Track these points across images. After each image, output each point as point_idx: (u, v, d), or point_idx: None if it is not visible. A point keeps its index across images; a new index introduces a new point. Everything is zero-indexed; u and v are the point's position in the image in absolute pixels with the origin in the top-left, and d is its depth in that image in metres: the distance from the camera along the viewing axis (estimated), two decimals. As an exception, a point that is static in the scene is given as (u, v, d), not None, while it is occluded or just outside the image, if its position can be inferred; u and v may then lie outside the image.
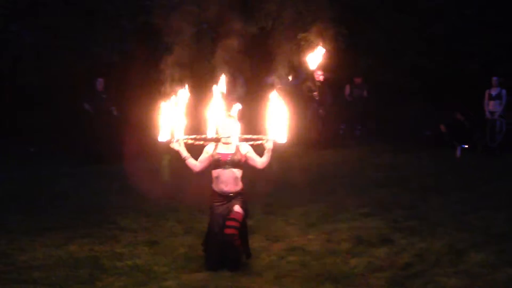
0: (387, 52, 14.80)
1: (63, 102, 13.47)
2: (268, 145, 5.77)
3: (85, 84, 12.75)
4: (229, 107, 6.01)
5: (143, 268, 5.90)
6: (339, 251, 6.36)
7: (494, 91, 12.97)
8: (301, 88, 13.26)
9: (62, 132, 13.43)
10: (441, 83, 14.85)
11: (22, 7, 12.92)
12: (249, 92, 12.88)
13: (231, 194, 5.81)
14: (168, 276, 5.69)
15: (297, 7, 12.40)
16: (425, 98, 14.77)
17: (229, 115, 5.88)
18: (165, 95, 5.90)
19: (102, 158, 11.80)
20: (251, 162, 5.89)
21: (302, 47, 12.13)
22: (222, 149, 5.84)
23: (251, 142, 5.91)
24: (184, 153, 5.86)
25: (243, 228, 5.92)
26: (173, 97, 5.83)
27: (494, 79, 12.98)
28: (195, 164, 5.90)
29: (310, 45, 11.38)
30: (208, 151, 5.89)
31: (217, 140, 5.91)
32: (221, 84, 6.05)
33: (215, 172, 5.84)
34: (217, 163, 5.80)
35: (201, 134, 6.04)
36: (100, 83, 12.55)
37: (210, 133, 6.01)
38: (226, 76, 6.28)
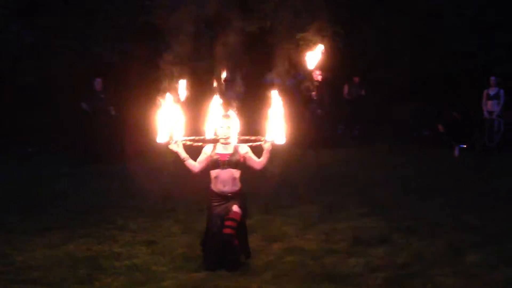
0: (384, 51, 14.81)
1: (63, 102, 13.46)
2: (267, 146, 5.78)
3: (84, 84, 12.74)
4: (228, 107, 6.02)
5: (141, 268, 5.90)
6: (337, 251, 6.36)
7: (492, 91, 12.99)
8: (299, 88, 13.28)
9: (61, 132, 13.42)
10: (439, 82, 14.86)
11: (22, 7, 12.93)
12: (248, 91, 12.87)
13: (230, 194, 5.81)
14: (166, 276, 5.69)
15: (295, 7, 12.41)
16: (424, 98, 14.79)
17: (228, 115, 5.88)
18: (163, 93, 5.89)
19: (101, 158, 11.81)
20: (249, 163, 5.90)
21: (300, 47, 12.14)
22: (221, 150, 5.85)
23: (250, 144, 5.92)
24: (183, 154, 5.86)
25: (242, 228, 5.93)
26: (170, 96, 5.83)
27: (492, 79, 13.00)
28: (194, 165, 5.91)
29: (308, 45, 11.39)
30: (207, 151, 5.90)
31: (215, 141, 5.91)
32: (220, 84, 6.06)
33: (213, 173, 5.85)
34: (215, 163, 5.81)
35: (200, 135, 6.05)
36: (98, 83, 12.54)
37: (208, 134, 6.02)
38: (224, 75, 6.29)
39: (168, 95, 5.82)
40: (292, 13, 12.37)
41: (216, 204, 5.83)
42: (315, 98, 13.16)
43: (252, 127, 6.72)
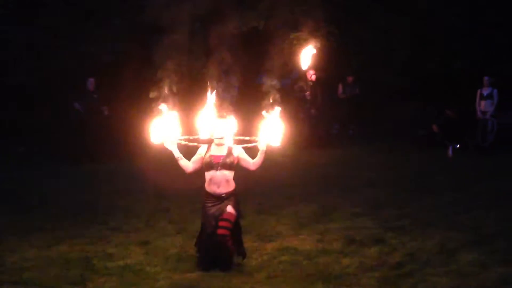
0: (379, 51, 14.84)
1: (56, 102, 13.40)
2: (262, 147, 5.77)
3: (77, 84, 12.69)
4: (222, 107, 6.00)
5: (134, 269, 5.88)
6: (331, 251, 6.37)
7: (485, 91, 13.03)
8: (293, 88, 13.27)
9: (53, 132, 13.35)
10: (433, 82, 14.89)
11: (16, 7, 12.89)
12: (242, 91, 12.87)
13: (224, 195, 5.80)
14: (160, 277, 5.67)
15: (289, 6, 12.39)
16: (418, 98, 14.82)
17: (222, 116, 5.87)
18: (156, 94, 5.88)
19: (94, 158, 11.76)
20: (243, 164, 5.89)
21: (294, 47, 12.12)
22: (215, 151, 5.83)
23: (245, 145, 5.91)
24: (177, 153, 5.85)
25: (237, 229, 5.92)
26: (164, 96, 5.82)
27: (486, 78, 13.03)
28: (188, 165, 5.89)
29: (302, 45, 11.39)
30: (201, 152, 5.89)
31: (210, 142, 5.90)
32: (214, 85, 6.04)
33: (208, 174, 5.83)
34: (209, 165, 5.79)
35: (194, 135, 6.02)
36: (91, 83, 12.51)
37: (203, 135, 6.00)
38: (218, 75, 6.27)
39: (162, 97, 5.82)
40: (286, 12, 12.36)
41: (210, 204, 5.81)
42: (309, 98, 13.16)
43: (246, 128, 6.71)
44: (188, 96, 6.86)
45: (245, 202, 6.45)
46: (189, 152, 5.93)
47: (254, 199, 8.38)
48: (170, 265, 5.99)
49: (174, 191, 8.96)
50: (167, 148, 5.85)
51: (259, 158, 5.82)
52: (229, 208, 5.76)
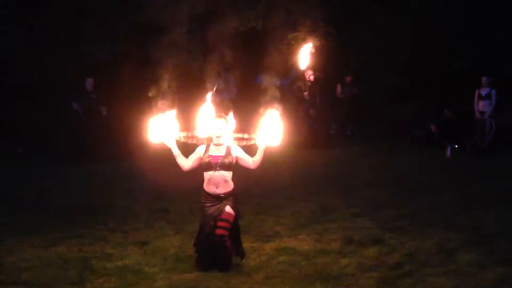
0: (379, 51, 14.84)
1: (54, 101, 13.39)
2: (261, 145, 5.76)
3: (75, 83, 12.68)
4: (220, 107, 6.00)
5: (133, 269, 5.87)
6: (329, 251, 6.36)
7: (484, 91, 13.02)
8: (291, 88, 13.27)
9: (53, 132, 13.33)
10: (433, 82, 14.90)
11: (16, 7, 12.88)
12: (240, 91, 12.85)
13: (222, 195, 5.79)
14: (159, 277, 5.66)
15: (287, 6, 12.40)
16: (418, 98, 14.83)
17: (221, 116, 5.86)
18: (154, 93, 5.87)
19: (92, 158, 11.75)
20: (243, 163, 5.87)
21: (292, 47, 12.12)
22: (213, 151, 5.82)
23: (244, 143, 5.90)
24: (175, 150, 5.84)
25: (236, 229, 5.91)
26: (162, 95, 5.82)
27: (484, 79, 13.03)
28: (185, 163, 5.87)
29: (300, 45, 11.39)
30: (200, 152, 5.87)
31: (208, 140, 5.89)
32: (212, 84, 6.05)
33: (206, 174, 5.82)
34: (208, 165, 5.77)
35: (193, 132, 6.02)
36: (89, 83, 12.51)
37: (201, 133, 6.00)
38: (217, 75, 6.27)
39: (160, 96, 5.82)
40: (284, 12, 12.36)
41: (209, 204, 5.81)
42: (307, 98, 13.16)
43: (245, 127, 6.70)
44: (186, 95, 6.85)
45: (244, 202, 6.44)
46: (188, 151, 5.92)
47: (252, 199, 8.38)
48: (169, 265, 5.99)
49: (173, 191, 8.95)
50: (165, 146, 5.85)
51: (258, 156, 5.80)
52: (228, 208, 5.75)
